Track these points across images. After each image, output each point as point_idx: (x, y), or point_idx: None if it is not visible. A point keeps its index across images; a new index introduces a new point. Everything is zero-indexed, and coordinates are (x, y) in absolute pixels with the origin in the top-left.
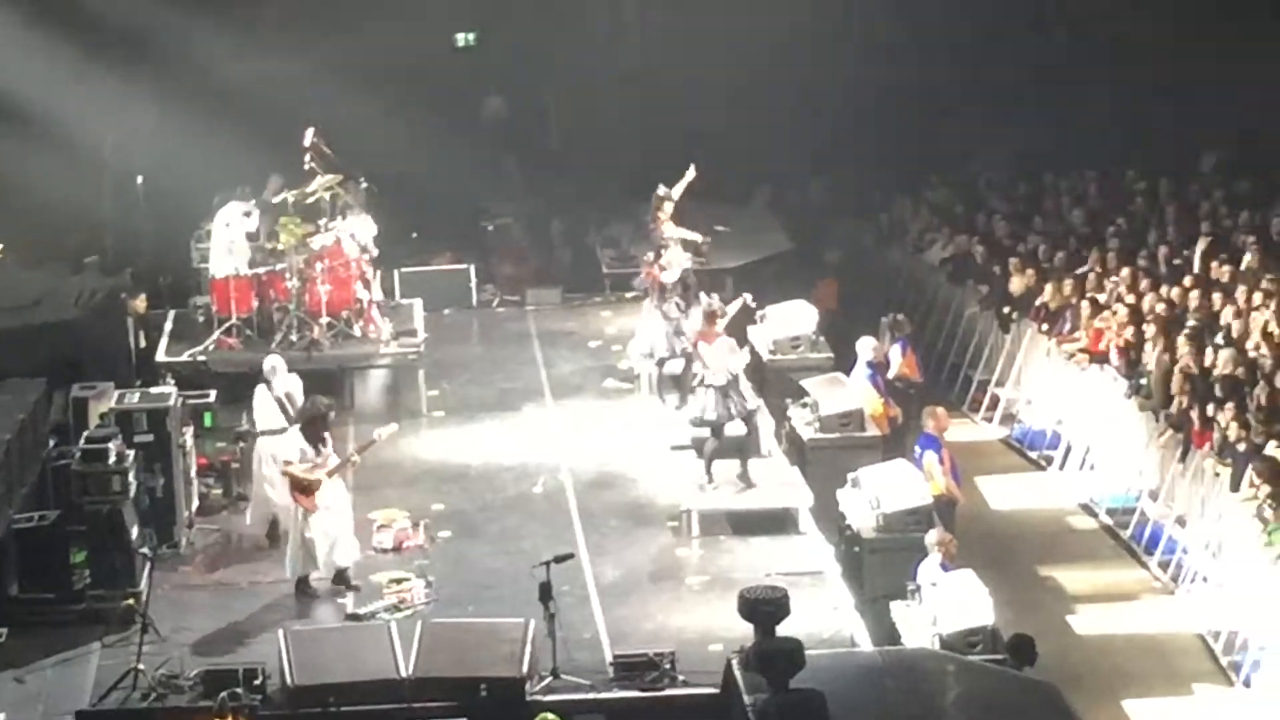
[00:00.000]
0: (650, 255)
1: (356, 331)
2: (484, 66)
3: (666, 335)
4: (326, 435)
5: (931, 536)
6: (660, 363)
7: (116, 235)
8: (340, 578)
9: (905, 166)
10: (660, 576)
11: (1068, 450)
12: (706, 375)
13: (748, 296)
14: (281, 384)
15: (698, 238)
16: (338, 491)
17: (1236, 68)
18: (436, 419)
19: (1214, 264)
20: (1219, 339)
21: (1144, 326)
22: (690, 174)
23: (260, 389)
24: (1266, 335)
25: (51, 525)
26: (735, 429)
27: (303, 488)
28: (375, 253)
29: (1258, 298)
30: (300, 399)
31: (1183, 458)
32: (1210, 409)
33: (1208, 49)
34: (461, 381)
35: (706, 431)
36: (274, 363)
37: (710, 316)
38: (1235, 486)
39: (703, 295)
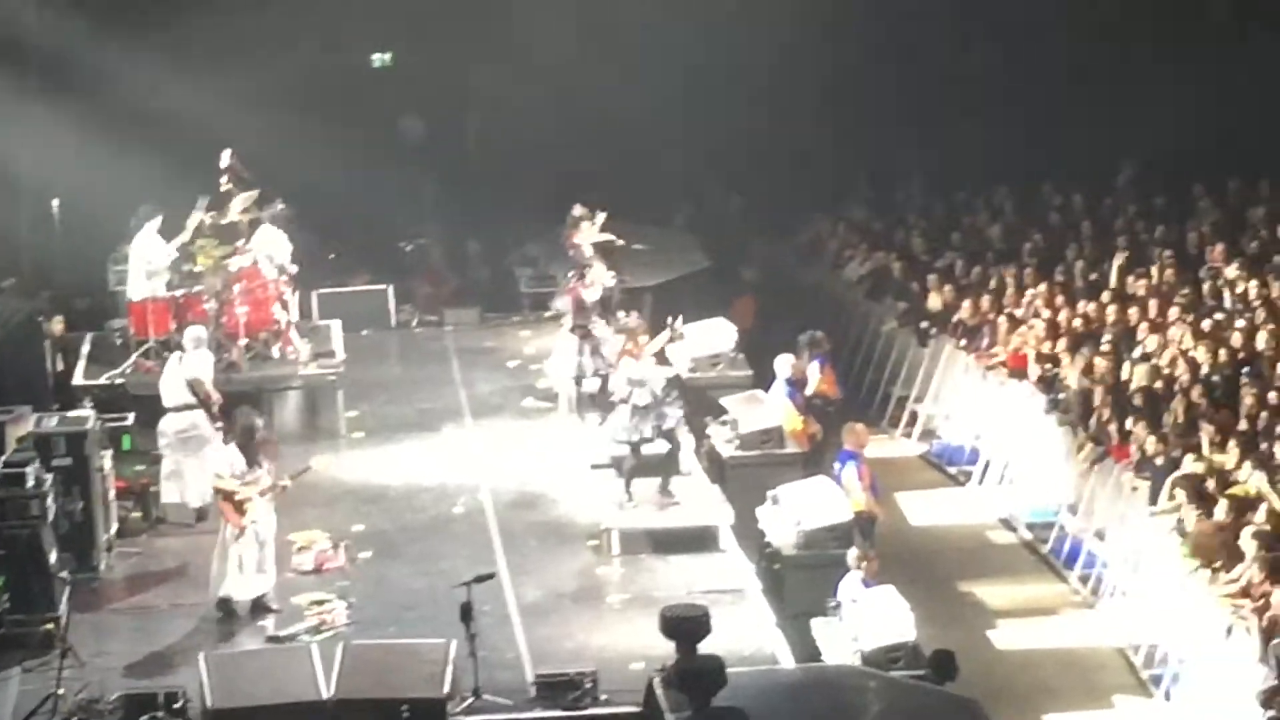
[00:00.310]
0: (572, 275)
1: (275, 353)
2: (401, 87)
3: (586, 354)
4: (260, 454)
5: (853, 553)
6: (579, 381)
7: (33, 258)
8: (257, 605)
9: (823, 184)
10: (581, 595)
11: (987, 465)
12: (628, 393)
13: (676, 324)
14: (192, 360)
15: (612, 237)
16: (266, 514)
17: (1151, 84)
18: (356, 440)
19: (1130, 278)
20: (1135, 353)
21: (1061, 341)
22: (599, 218)
23: (173, 359)
24: (1181, 350)
25: None
26: (656, 446)
27: (233, 503)
28: (293, 270)
29: (1173, 312)
30: (208, 382)
31: (1091, 466)
32: (1128, 423)
33: (1122, 66)
34: (380, 402)
35: (627, 449)
36: (197, 334)
37: (633, 334)
38: (1154, 500)
39: (621, 314)
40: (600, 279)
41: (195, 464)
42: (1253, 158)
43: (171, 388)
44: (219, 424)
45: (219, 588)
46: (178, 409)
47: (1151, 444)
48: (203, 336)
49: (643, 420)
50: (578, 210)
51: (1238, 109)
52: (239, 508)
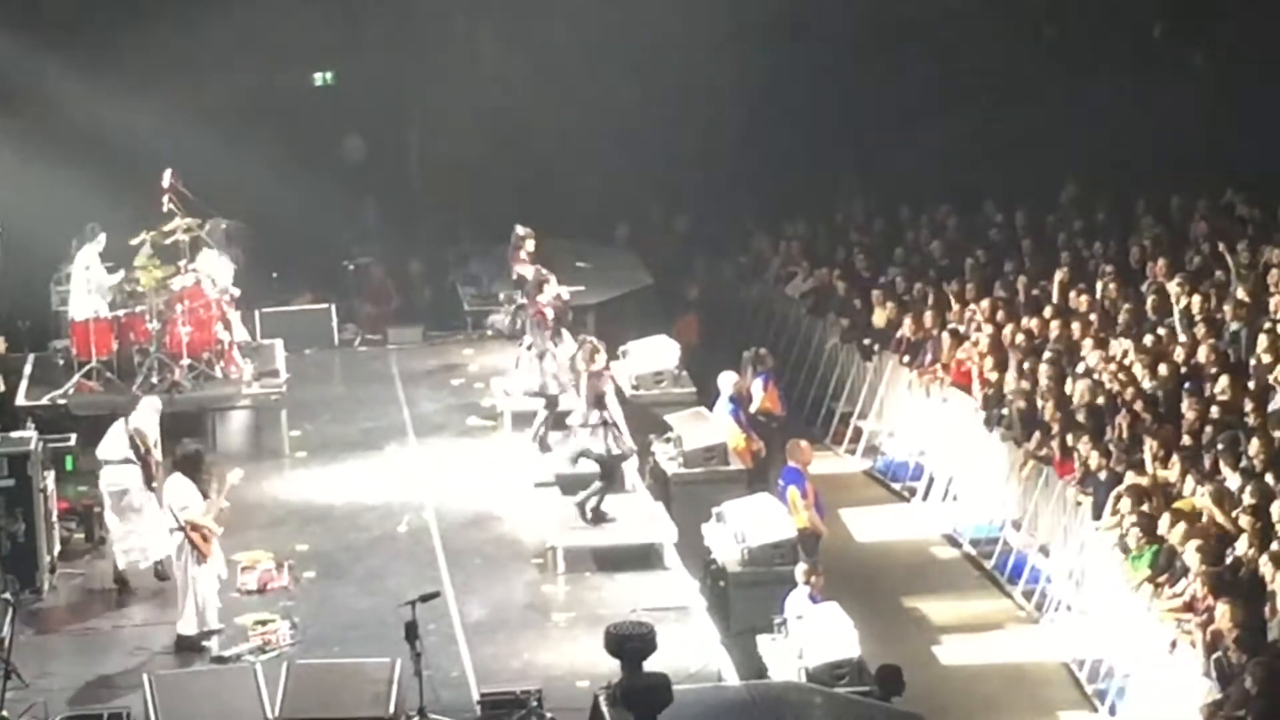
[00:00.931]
0: (524, 293)
1: (218, 373)
2: (342, 106)
3: (546, 372)
4: (206, 481)
5: (800, 568)
6: (546, 399)
7: None
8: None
9: (765, 202)
10: (526, 614)
11: (930, 481)
12: (584, 413)
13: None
14: (138, 418)
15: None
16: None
17: (1092, 101)
18: (299, 459)
19: (1072, 294)
20: (1079, 369)
21: (1004, 357)
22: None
23: (119, 422)
24: (1123, 365)
25: None
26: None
27: (200, 533)
28: (236, 293)
29: (1116, 328)
30: (151, 438)
31: (1018, 467)
32: (1071, 438)
33: (1061, 83)
34: (324, 421)
35: (579, 466)
36: (156, 404)
37: (590, 352)
38: (1097, 515)
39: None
40: (554, 294)
41: (135, 523)
42: (1194, 175)
43: (113, 446)
44: (154, 485)
45: (200, 623)
46: (114, 463)
47: (1095, 459)
48: (158, 405)
49: (595, 439)
50: (521, 230)
51: (1177, 126)
52: (206, 538)
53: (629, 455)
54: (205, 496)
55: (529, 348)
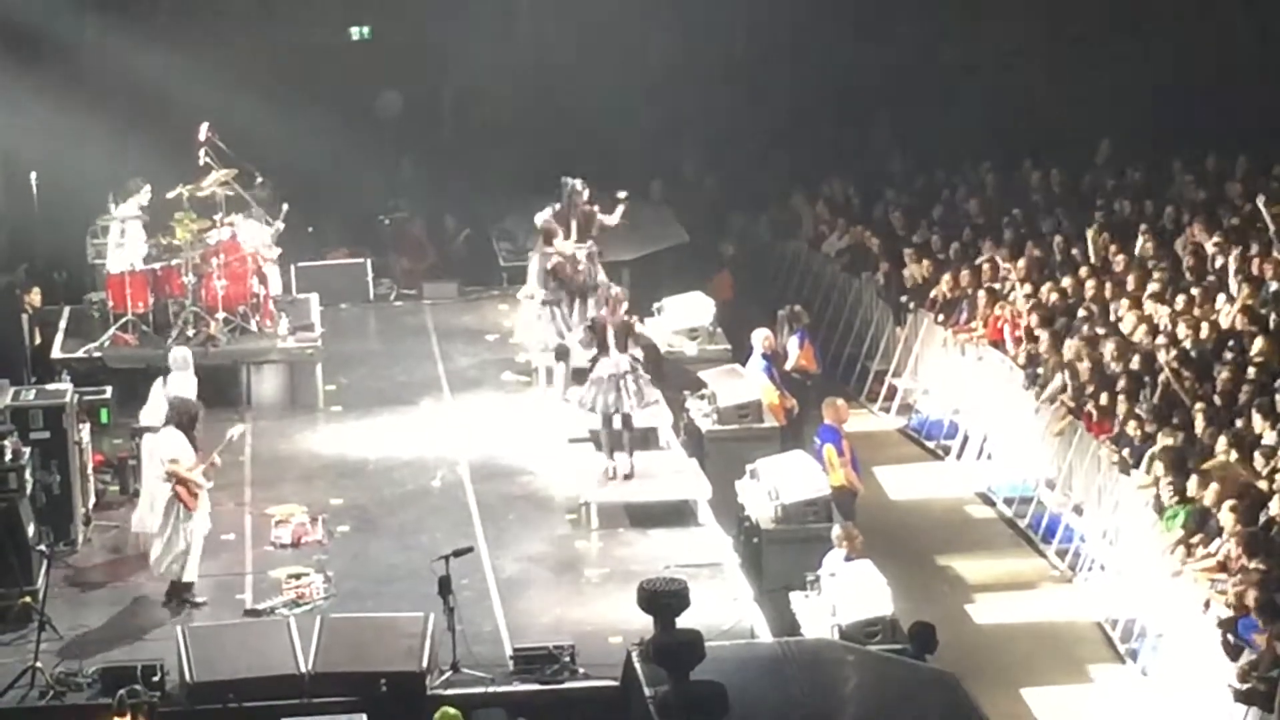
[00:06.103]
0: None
1: (253, 326)
2: (379, 60)
3: (556, 323)
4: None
5: (836, 529)
6: (561, 355)
7: (10, 231)
8: (179, 589)
9: (801, 159)
10: (559, 569)
11: (965, 440)
12: (602, 365)
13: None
14: (177, 380)
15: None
16: (205, 499)
17: (1128, 58)
18: (334, 413)
19: (1108, 253)
20: (1113, 328)
21: (1039, 316)
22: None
23: (158, 383)
24: (1156, 326)
25: None
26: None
27: (186, 487)
28: (274, 254)
29: (1153, 287)
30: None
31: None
32: (1106, 398)
33: (1098, 40)
34: (359, 376)
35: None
36: (184, 355)
37: (614, 301)
38: (1129, 473)
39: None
40: (559, 248)
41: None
42: (1230, 133)
43: (154, 408)
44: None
45: (180, 573)
46: (156, 430)
47: (1132, 420)
48: (189, 358)
49: (615, 392)
50: (576, 183)
51: (1214, 85)
52: (192, 491)
53: (628, 411)
54: (196, 450)
55: (535, 298)
